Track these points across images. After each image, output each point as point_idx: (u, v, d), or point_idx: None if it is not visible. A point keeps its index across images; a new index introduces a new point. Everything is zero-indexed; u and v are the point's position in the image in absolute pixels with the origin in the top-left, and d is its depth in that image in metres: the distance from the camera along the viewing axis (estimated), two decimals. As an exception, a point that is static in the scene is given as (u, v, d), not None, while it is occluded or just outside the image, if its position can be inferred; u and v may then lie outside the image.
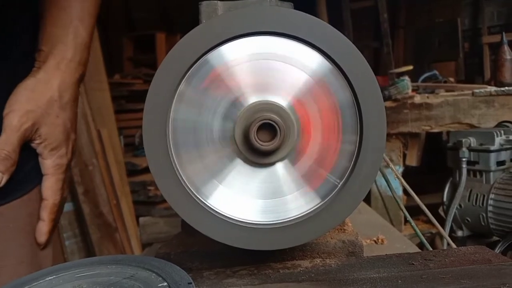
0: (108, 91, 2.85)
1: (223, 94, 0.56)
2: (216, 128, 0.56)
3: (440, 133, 2.77)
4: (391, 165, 0.88)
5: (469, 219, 1.95)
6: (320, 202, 0.57)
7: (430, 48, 4.87)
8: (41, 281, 0.54)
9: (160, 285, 0.49)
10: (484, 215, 1.87)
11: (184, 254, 0.65)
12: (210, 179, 0.57)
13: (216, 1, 0.65)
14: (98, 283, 0.51)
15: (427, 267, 0.57)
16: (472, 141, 1.94)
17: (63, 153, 0.77)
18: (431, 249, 0.80)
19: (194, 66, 0.56)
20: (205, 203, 0.56)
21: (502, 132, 1.95)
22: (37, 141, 0.74)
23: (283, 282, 0.55)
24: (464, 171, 1.94)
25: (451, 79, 3.41)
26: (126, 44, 4.90)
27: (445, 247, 1.84)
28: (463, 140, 1.94)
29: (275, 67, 0.56)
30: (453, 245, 0.89)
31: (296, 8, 0.60)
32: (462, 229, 2.02)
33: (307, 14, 0.55)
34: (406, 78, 2.79)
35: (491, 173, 1.89)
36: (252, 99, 0.56)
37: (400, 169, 2.68)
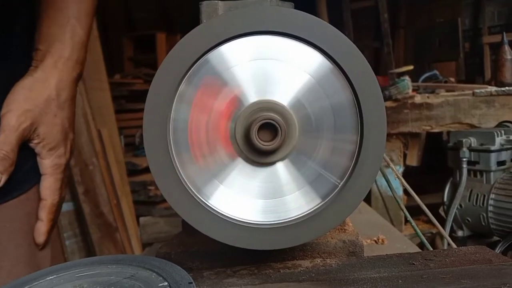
0: (109, 91, 2.85)
1: (223, 93, 0.56)
2: (217, 127, 0.56)
3: (440, 133, 2.77)
4: (391, 165, 0.88)
5: (469, 219, 1.95)
6: (321, 202, 0.57)
7: (431, 48, 4.86)
8: (41, 281, 0.54)
9: (160, 284, 0.49)
10: (484, 215, 1.87)
11: (185, 254, 0.65)
12: (210, 179, 0.57)
13: (216, 1, 0.65)
14: (98, 283, 0.51)
15: (427, 267, 0.57)
16: (473, 141, 1.94)
17: (62, 152, 0.77)
18: (431, 249, 0.80)
19: (194, 66, 0.55)
20: (205, 203, 0.56)
21: (503, 132, 1.95)
22: (35, 141, 0.73)
23: (283, 282, 0.55)
24: (465, 171, 1.94)
25: (452, 79, 3.41)
26: (127, 44, 4.90)
27: (445, 247, 1.84)
28: (464, 140, 1.94)
29: (276, 66, 0.56)
30: (454, 245, 0.89)
31: (296, 8, 0.60)
32: (462, 229, 2.02)
33: (308, 14, 0.55)
34: (407, 78, 2.79)
35: (492, 173, 1.90)
36: (252, 98, 0.56)
37: (400, 169, 2.68)
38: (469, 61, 4.85)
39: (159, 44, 4.66)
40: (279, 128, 0.53)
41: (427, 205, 0.96)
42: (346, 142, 0.57)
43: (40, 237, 0.75)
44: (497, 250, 1.69)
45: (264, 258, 0.62)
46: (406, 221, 2.58)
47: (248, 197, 0.57)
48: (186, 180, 0.56)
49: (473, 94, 2.54)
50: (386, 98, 2.61)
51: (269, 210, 0.57)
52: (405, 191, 2.40)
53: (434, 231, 2.42)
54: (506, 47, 2.71)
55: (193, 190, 0.56)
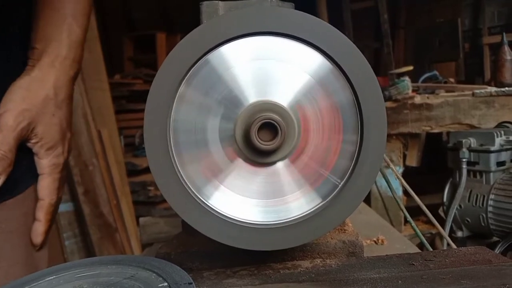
0: (109, 91, 2.85)
1: (223, 94, 0.56)
2: (217, 128, 0.56)
3: (440, 134, 2.77)
4: (391, 165, 0.88)
5: (469, 220, 1.95)
6: (321, 202, 0.57)
7: (431, 48, 4.87)
8: (41, 281, 0.54)
9: (160, 285, 0.49)
10: (484, 215, 1.87)
11: (185, 254, 0.65)
12: (211, 179, 0.57)
13: (217, 1, 0.65)
14: (98, 283, 0.51)
15: (427, 267, 0.57)
16: (472, 142, 1.94)
17: (60, 152, 0.76)
18: (431, 249, 0.80)
19: (195, 67, 0.56)
20: (205, 203, 0.56)
21: (502, 132, 1.95)
22: (33, 141, 0.73)
23: (283, 282, 0.55)
24: (464, 172, 1.94)
25: (451, 80, 3.41)
26: (127, 44, 4.91)
27: (445, 248, 1.83)
28: (464, 140, 1.94)
29: (276, 67, 0.56)
30: (454, 246, 0.89)
31: (296, 8, 0.60)
32: (462, 229, 2.02)
33: (308, 14, 0.55)
34: (406, 78, 2.79)
35: (491, 174, 1.90)
36: (252, 98, 0.56)
37: (400, 170, 2.68)
38: (469, 61, 4.86)
39: (159, 44, 4.66)
40: (279, 128, 0.53)
41: (426, 206, 0.96)
42: (346, 142, 0.57)
43: (38, 238, 0.74)
44: (497, 251, 1.69)
45: (264, 258, 0.62)
46: (406, 221, 2.58)
47: (248, 197, 0.57)
48: (186, 180, 0.56)
49: (473, 94, 2.55)
50: (386, 99, 2.61)
51: (269, 210, 0.57)
52: (405, 192, 2.40)
53: (433, 231, 2.42)
54: (506, 48, 2.71)
55: (193, 190, 0.56)
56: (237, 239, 0.56)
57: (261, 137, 0.54)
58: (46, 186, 0.74)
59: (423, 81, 3.24)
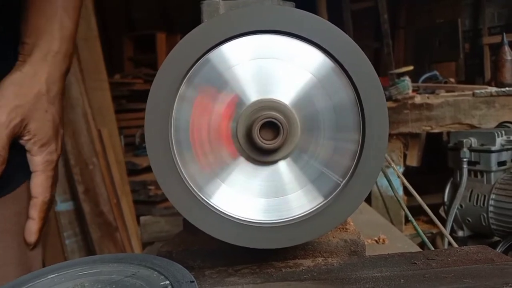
0: (109, 91, 2.84)
1: (225, 92, 0.56)
2: (219, 126, 0.56)
3: (440, 134, 2.77)
4: (392, 164, 0.88)
5: (470, 220, 1.95)
6: (323, 200, 0.57)
7: (431, 48, 4.87)
8: (43, 279, 0.54)
9: (162, 283, 0.49)
10: (485, 215, 1.87)
11: (186, 253, 0.65)
12: (212, 177, 0.57)
13: (217, 0, 0.65)
14: (99, 282, 0.51)
15: (429, 266, 0.57)
16: (473, 142, 1.94)
17: (53, 149, 0.74)
18: (433, 248, 0.80)
19: (195, 65, 0.55)
20: (207, 202, 0.56)
21: (503, 132, 1.95)
22: (26, 137, 0.71)
23: (285, 280, 0.55)
24: (465, 172, 1.94)
25: (452, 80, 3.41)
26: (127, 44, 4.91)
27: (446, 247, 1.83)
28: (464, 140, 1.94)
29: (277, 65, 0.56)
30: (455, 245, 0.89)
31: (297, 8, 0.59)
32: (463, 229, 2.02)
33: (309, 13, 0.55)
34: (407, 78, 2.79)
35: (492, 174, 1.90)
36: (254, 97, 0.56)
37: (400, 170, 2.68)
38: (469, 61, 4.86)
39: (159, 44, 4.66)
40: (281, 127, 0.53)
41: (427, 206, 0.96)
42: (348, 141, 0.57)
43: (32, 237, 0.72)
44: (498, 250, 1.69)
45: (265, 257, 0.62)
46: (406, 221, 2.58)
47: (250, 195, 0.57)
48: (187, 179, 0.56)
49: (473, 94, 2.55)
50: (386, 99, 2.61)
51: (271, 209, 0.57)
52: (405, 192, 2.40)
53: (434, 231, 2.42)
54: (506, 48, 2.72)
55: (194, 189, 0.56)
56: (239, 238, 0.56)
57: (263, 135, 0.54)
58: (40, 184, 0.72)
59: (423, 81, 3.24)
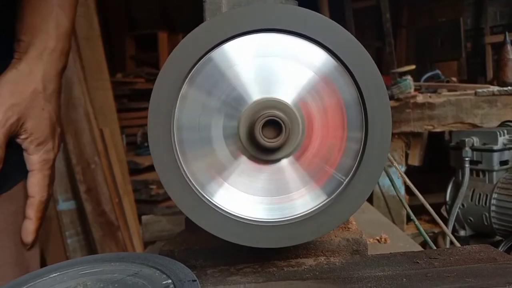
0: (111, 90, 2.84)
1: (227, 91, 0.56)
2: (221, 125, 0.56)
3: (442, 133, 2.77)
4: (395, 163, 0.88)
5: (471, 219, 1.95)
6: (327, 198, 0.57)
7: (433, 47, 4.87)
8: (45, 278, 0.54)
9: (164, 282, 0.49)
10: (487, 214, 1.86)
11: (188, 252, 0.65)
12: (215, 176, 0.57)
13: (220, -1, 0.65)
14: (102, 280, 0.51)
15: (432, 265, 0.57)
16: (475, 141, 1.94)
17: (50, 147, 0.73)
18: (435, 247, 0.79)
19: (198, 64, 0.55)
20: (210, 201, 0.56)
21: (505, 131, 1.94)
22: (22, 136, 0.70)
23: (287, 280, 0.55)
24: (467, 171, 1.94)
25: (454, 79, 3.41)
26: (128, 43, 4.91)
27: (447, 247, 1.83)
28: (466, 139, 1.93)
29: (280, 64, 0.56)
30: (458, 244, 0.89)
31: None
32: (464, 228, 2.01)
33: (312, 11, 0.55)
34: (409, 77, 2.78)
35: (494, 173, 1.89)
36: (256, 96, 0.56)
37: (402, 169, 2.67)
38: (471, 60, 4.86)
39: (161, 43, 4.66)
40: (283, 125, 0.53)
41: (429, 205, 0.96)
42: (351, 140, 0.57)
43: (29, 236, 0.72)
44: (500, 250, 1.69)
45: (267, 256, 0.62)
46: (408, 220, 2.58)
47: (252, 194, 0.57)
48: (190, 178, 0.56)
49: (475, 93, 2.54)
50: (388, 98, 2.60)
51: (274, 208, 0.57)
52: (407, 191, 2.40)
53: (436, 230, 2.42)
54: (509, 47, 2.71)
55: (197, 188, 0.56)
56: (241, 237, 0.56)
57: (266, 134, 0.54)
58: (37, 183, 0.72)
59: (425, 80, 3.23)
